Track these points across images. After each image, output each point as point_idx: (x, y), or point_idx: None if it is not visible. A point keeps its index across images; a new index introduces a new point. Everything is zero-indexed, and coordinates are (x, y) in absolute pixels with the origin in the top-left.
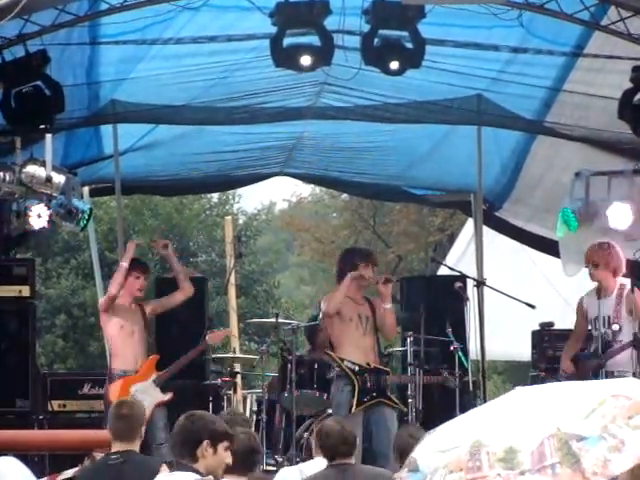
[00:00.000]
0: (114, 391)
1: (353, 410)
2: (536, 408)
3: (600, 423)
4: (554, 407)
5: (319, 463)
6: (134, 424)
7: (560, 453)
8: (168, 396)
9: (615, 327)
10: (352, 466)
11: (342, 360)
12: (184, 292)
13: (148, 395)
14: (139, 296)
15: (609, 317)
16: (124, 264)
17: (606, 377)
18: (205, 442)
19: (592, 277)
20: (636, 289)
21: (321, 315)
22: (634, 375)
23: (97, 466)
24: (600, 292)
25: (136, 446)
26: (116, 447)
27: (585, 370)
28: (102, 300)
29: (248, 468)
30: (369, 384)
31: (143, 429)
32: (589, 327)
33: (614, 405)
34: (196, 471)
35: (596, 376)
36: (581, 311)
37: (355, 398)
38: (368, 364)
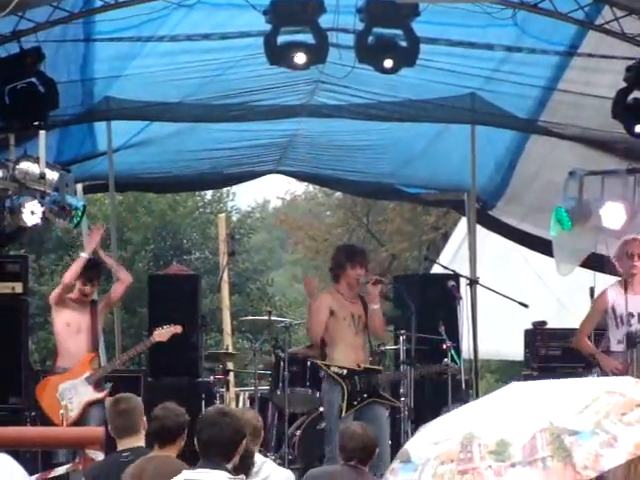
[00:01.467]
0: (41, 390)
1: (343, 414)
2: (529, 402)
3: (593, 419)
4: (547, 402)
5: None
6: (134, 418)
7: (552, 447)
8: (102, 394)
9: None
10: (365, 473)
11: (328, 367)
12: (123, 281)
13: (77, 394)
14: (86, 300)
15: None
16: (84, 255)
17: None
18: (244, 441)
19: (633, 268)
20: None
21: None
22: None
23: (110, 464)
24: (629, 287)
25: (142, 439)
26: (123, 444)
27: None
28: (55, 292)
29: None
30: (359, 386)
31: (145, 420)
32: (616, 323)
33: (607, 402)
34: (228, 470)
35: None
36: (603, 305)
37: (345, 402)
38: (359, 365)
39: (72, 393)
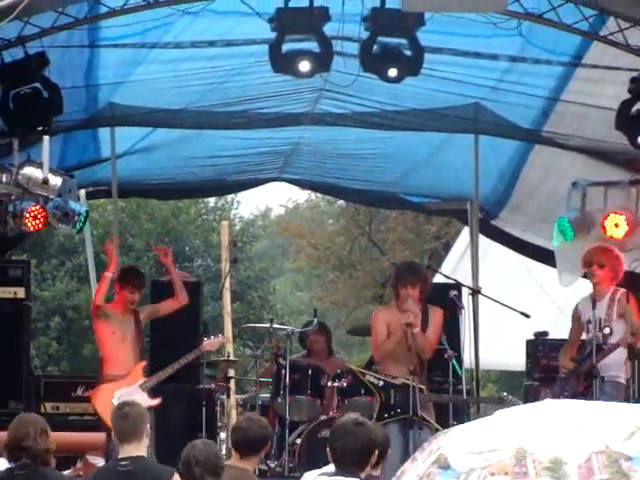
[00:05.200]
0: (96, 396)
1: None
2: (579, 422)
3: None
4: (598, 424)
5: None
6: (137, 423)
7: (610, 470)
8: (156, 401)
9: (606, 330)
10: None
11: (364, 375)
12: (179, 301)
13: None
14: (132, 308)
15: (601, 320)
16: (108, 274)
17: (598, 382)
18: (376, 451)
19: (594, 277)
20: (631, 296)
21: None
22: (627, 382)
23: (108, 472)
24: (593, 295)
25: (143, 447)
26: (124, 451)
27: (578, 374)
28: (92, 306)
29: None
30: (394, 400)
31: (148, 427)
32: (583, 331)
33: None
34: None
35: (588, 379)
36: (576, 316)
37: (376, 413)
38: (396, 378)
39: (127, 399)
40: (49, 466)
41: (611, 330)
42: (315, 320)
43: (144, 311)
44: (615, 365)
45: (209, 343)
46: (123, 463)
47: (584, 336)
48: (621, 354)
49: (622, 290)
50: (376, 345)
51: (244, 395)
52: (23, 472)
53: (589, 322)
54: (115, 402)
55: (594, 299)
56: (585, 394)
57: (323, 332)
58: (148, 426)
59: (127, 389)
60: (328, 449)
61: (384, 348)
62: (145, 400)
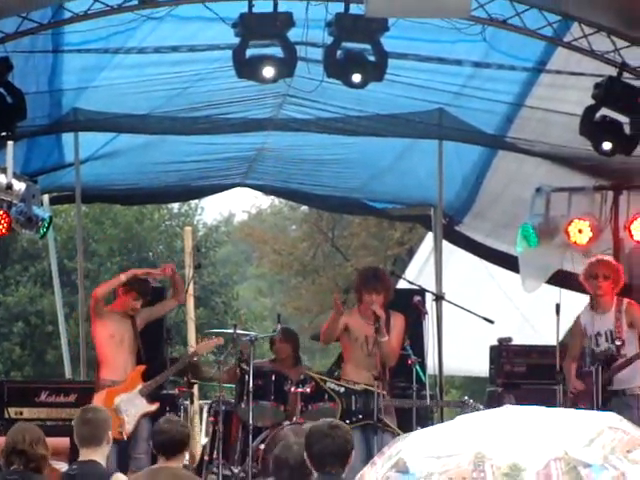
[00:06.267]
0: (98, 401)
1: None
2: (539, 429)
3: (600, 453)
4: (557, 430)
5: None
6: (98, 429)
7: (568, 477)
8: (154, 406)
9: (618, 342)
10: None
11: (324, 382)
12: (179, 301)
13: (133, 406)
14: (130, 314)
15: (611, 332)
16: (122, 277)
17: (614, 396)
18: (352, 453)
19: (600, 289)
20: (636, 305)
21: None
22: None
23: (62, 475)
24: (597, 307)
25: (102, 453)
26: (82, 455)
27: (592, 391)
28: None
29: None
30: (355, 406)
31: (110, 434)
32: (588, 344)
33: (611, 437)
34: None
35: (604, 393)
36: (579, 329)
37: (337, 418)
38: (357, 384)
39: (128, 406)
40: (41, 474)
41: (623, 341)
42: (278, 326)
43: (141, 315)
44: (632, 376)
45: (203, 345)
46: (74, 467)
47: (595, 348)
48: (636, 365)
49: (627, 300)
50: (323, 330)
51: (206, 400)
52: (14, 477)
53: (599, 335)
54: (115, 409)
55: (596, 311)
56: (603, 408)
57: (288, 339)
58: (110, 433)
59: (127, 395)
60: (306, 455)
61: (326, 334)
62: (145, 406)
